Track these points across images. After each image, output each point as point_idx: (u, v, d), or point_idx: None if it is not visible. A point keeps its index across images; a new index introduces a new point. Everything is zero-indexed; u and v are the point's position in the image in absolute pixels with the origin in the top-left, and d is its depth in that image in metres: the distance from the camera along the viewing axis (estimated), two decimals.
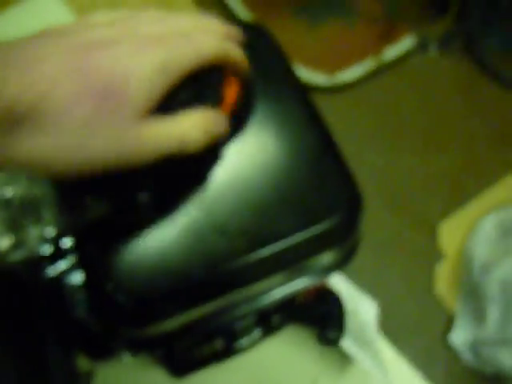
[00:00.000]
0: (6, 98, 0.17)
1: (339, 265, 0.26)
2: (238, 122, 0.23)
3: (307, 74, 0.57)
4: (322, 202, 0.23)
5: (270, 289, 0.25)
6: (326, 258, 0.25)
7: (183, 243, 0.20)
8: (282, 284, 0.25)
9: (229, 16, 0.60)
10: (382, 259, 0.53)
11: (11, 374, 0.21)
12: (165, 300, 0.19)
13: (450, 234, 0.52)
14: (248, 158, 0.23)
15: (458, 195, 0.54)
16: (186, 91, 0.20)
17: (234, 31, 0.24)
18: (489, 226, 0.50)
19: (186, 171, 0.21)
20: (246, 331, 0.31)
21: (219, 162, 0.22)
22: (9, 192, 0.29)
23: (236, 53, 0.22)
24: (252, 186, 0.22)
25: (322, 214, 0.22)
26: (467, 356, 0.46)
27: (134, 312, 0.19)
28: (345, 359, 0.44)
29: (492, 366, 0.44)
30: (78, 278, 0.24)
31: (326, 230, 0.23)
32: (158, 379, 0.36)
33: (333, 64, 0.58)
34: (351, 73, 0.58)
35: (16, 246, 0.28)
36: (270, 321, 0.32)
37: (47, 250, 0.26)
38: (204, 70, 0.21)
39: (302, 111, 0.25)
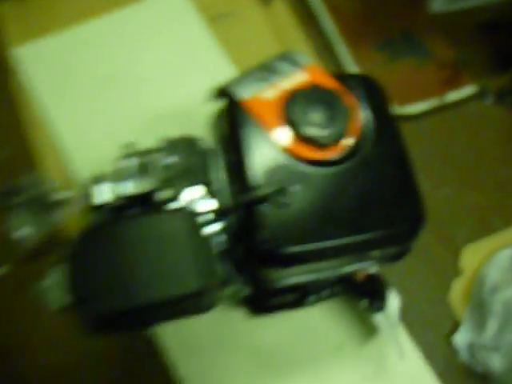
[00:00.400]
0: None
1: (395, 259, 0.38)
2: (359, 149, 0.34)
3: None
4: (399, 213, 0.34)
5: (348, 263, 0.36)
6: (389, 252, 0.37)
7: (316, 218, 0.31)
8: (354, 262, 0.37)
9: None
10: (408, 265, 0.63)
11: None
12: (299, 256, 0.31)
13: (470, 257, 0.63)
14: (362, 173, 0.34)
15: (484, 228, 0.65)
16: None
17: None
18: (504, 257, 0.60)
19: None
20: (315, 292, 0.43)
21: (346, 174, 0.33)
22: (170, 160, 0.42)
23: None
24: (359, 192, 0.33)
25: (397, 221, 0.34)
26: (464, 355, 0.57)
27: (276, 260, 0.31)
28: (366, 334, 0.56)
29: (483, 366, 0.56)
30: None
31: (395, 233, 0.34)
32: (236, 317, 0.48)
33: (403, 96, 0.69)
34: (417, 107, 0.69)
35: (172, 198, 0.40)
36: (333, 288, 0.43)
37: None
38: None
39: (398, 147, 0.36)
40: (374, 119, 0.36)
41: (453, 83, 0.71)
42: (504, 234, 0.65)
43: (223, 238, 0.35)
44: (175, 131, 0.46)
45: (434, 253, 0.64)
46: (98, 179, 0.41)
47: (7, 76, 0.62)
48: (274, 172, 0.33)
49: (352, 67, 0.69)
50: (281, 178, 0.32)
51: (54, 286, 0.51)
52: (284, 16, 0.72)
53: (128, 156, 0.42)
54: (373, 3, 0.74)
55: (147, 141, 0.45)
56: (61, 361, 0.53)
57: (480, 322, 0.57)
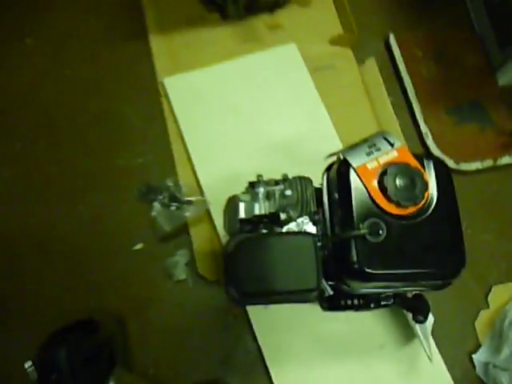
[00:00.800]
0: None
1: (439, 288, 0.54)
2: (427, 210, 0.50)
3: (441, 154, 0.83)
4: (448, 258, 0.50)
5: (407, 286, 0.53)
6: (437, 284, 0.53)
7: (393, 253, 0.48)
8: (412, 286, 0.53)
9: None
10: (447, 294, 0.79)
11: None
12: (378, 277, 0.48)
13: (499, 294, 0.78)
14: (427, 226, 0.50)
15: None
16: None
17: None
18: None
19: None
20: (376, 301, 0.60)
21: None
22: (288, 192, 0.59)
23: None
24: (424, 239, 0.49)
25: (447, 263, 0.50)
26: (480, 370, 0.73)
27: (360, 276, 0.49)
28: (404, 339, 0.72)
29: (493, 380, 0.71)
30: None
31: (444, 271, 0.50)
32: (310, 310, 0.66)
33: (462, 154, 0.84)
34: (472, 165, 0.83)
35: (287, 221, 0.57)
36: (389, 300, 0.60)
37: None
38: None
39: (454, 211, 0.52)
40: (441, 191, 0.52)
41: (507, 148, 0.85)
42: None
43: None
44: (282, 161, 0.63)
45: (469, 287, 0.79)
46: (238, 199, 0.58)
47: (160, 99, 0.82)
48: (371, 220, 0.49)
49: (421, 122, 0.84)
50: (373, 224, 0.49)
51: (178, 263, 0.71)
52: (374, 73, 0.88)
53: (257, 183, 0.60)
54: (448, 72, 0.89)
55: (264, 166, 0.62)
56: (174, 324, 0.72)
57: (497, 347, 0.72)
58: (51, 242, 0.75)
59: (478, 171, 0.84)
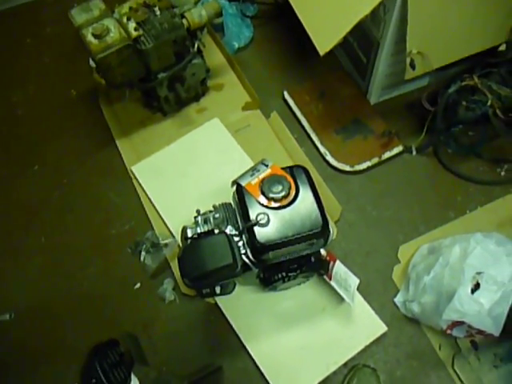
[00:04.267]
0: None
1: (322, 246, 0.82)
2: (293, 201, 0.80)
3: (339, 164, 1.13)
4: (315, 224, 0.78)
5: (299, 249, 0.81)
6: (316, 242, 0.80)
7: (277, 229, 0.77)
8: (302, 248, 0.81)
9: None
10: (368, 260, 1.05)
11: None
12: (272, 246, 0.76)
13: (404, 252, 1.03)
14: (294, 211, 0.79)
15: (412, 233, 1.05)
16: None
17: None
18: (423, 249, 1.00)
19: None
20: (293, 271, 0.87)
21: None
22: (216, 215, 0.88)
23: None
24: (295, 220, 0.78)
25: (315, 228, 0.78)
26: (402, 308, 0.97)
27: (262, 249, 0.77)
28: (337, 298, 0.97)
29: (411, 312, 0.95)
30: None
31: (314, 233, 0.78)
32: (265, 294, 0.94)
33: (354, 160, 1.13)
34: (363, 165, 1.12)
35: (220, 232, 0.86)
36: (302, 268, 0.86)
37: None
38: None
39: (313, 197, 0.80)
40: (302, 184, 0.81)
41: (387, 147, 1.14)
42: (426, 236, 1.05)
43: (241, 245, 0.81)
44: (221, 199, 0.92)
45: (383, 251, 1.04)
46: (186, 227, 0.88)
47: (132, 181, 1.15)
48: (259, 213, 0.78)
49: (320, 146, 1.15)
50: (261, 215, 0.77)
51: (167, 289, 1.00)
52: (279, 122, 1.20)
53: (198, 216, 0.90)
54: (331, 105, 1.21)
55: (208, 205, 0.92)
56: (171, 330, 0.99)
57: (406, 287, 0.97)
58: (77, 299, 1.04)
59: (368, 168, 1.13)
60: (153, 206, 1.11)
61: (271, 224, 0.79)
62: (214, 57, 1.29)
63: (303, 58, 1.31)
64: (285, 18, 1.36)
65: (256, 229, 0.78)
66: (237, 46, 1.32)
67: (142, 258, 1.05)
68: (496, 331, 0.82)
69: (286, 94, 1.24)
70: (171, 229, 1.07)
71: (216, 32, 1.32)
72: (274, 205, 0.80)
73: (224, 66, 1.29)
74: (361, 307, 0.97)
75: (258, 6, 1.38)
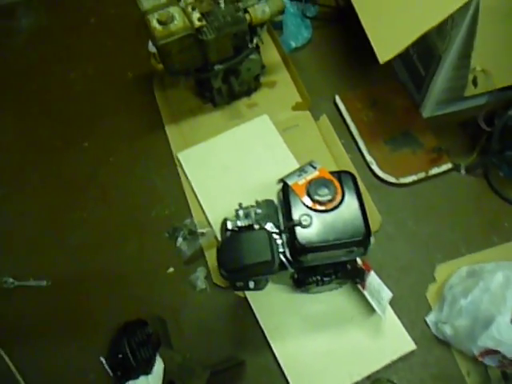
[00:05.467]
0: None
1: (362, 255, 0.81)
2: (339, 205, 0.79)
3: (384, 175, 1.11)
4: (357, 232, 0.77)
5: (339, 256, 0.80)
6: (356, 250, 0.80)
7: (321, 232, 0.77)
8: (340, 254, 0.80)
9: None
10: (403, 275, 1.03)
11: None
12: (311, 249, 0.76)
13: (441, 271, 1.01)
14: (341, 216, 0.78)
15: (451, 253, 1.03)
16: None
17: None
18: (462, 271, 0.98)
19: None
20: (327, 276, 0.86)
21: None
22: (258, 211, 0.89)
23: None
24: (343, 223, 0.78)
25: (360, 235, 0.77)
26: (433, 328, 0.95)
27: (301, 250, 0.77)
28: (368, 309, 0.96)
29: (441, 334, 0.93)
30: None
31: (356, 241, 0.78)
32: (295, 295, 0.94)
33: (400, 172, 1.11)
34: (409, 178, 1.11)
35: (261, 228, 0.87)
36: (337, 274, 0.86)
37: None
38: None
39: (358, 203, 0.80)
40: (348, 190, 0.81)
41: (436, 163, 1.12)
42: (466, 258, 1.02)
43: (280, 244, 0.81)
44: (263, 195, 0.93)
45: (420, 268, 1.02)
46: (227, 219, 0.89)
47: (177, 168, 1.17)
48: (302, 214, 0.78)
49: (366, 154, 1.14)
50: (304, 216, 0.77)
51: (199, 277, 1.02)
52: (327, 126, 1.20)
53: (239, 209, 0.90)
54: (382, 114, 1.19)
55: (249, 200, 0.92)
56: (198, 318, 1.00)
57: (441, 307, 0.95)
58: (111, 275, 1.07)
59: (414, 182, 1.11)
60: (194, 194, 1.12)
61: (313, 226, 0.79)
62: (270, 54, 1.29)
63: (359, 64, 1.29)
64: (345, 23, 1.35)
65: (298, 229, 0.79)
66: (294, 45, 1.32)
67: (178, 244, 1.06)
68: None
69: (337, 98, 1.23)
70: (210, 219, 1.08)
71: (274, 30, 1.32)
72: (318, 208, 0.80)
73: (279, 64, 1.29)
74: (391, 321, 0.95)
75: (319, 7, 1.38)
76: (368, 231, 0.79)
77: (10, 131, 1.30)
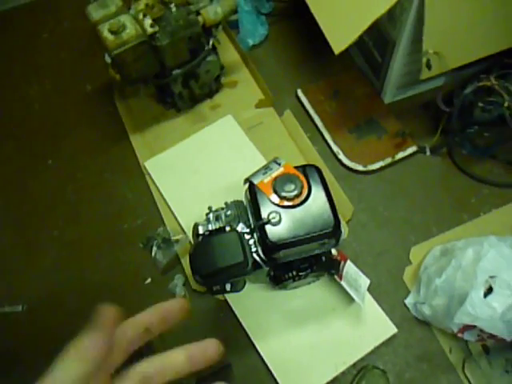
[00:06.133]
0: None
1: (333, 246, 0.81)
2: (306, 199, 0.80)
3: (352, 164, 1.12)
4: (331, 223, 0.78)
5: (309, 250, 0.81)
6: (328, 242, 0.80)
7: (288, 228, 0.77)
8: (313, 248, 0.81)
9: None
10: (379, 260, 1.04)
11: None
12: (283, 245, 0.76)
13: (417, 252, 1.03)
14: (307, 210, 0.79)
15: (424, 234, 1.04)
16: None
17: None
18: (436, 251, 0.99)
19: None
20: (303, 270, 0.87)
21: None
22: (228, 212, 0.89)
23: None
24: (311, 219, 0.78)
25: (329, 227, 0.78)
26: (412, 310, 0.96)
27: (273, 248, 0.77)
28: (348, 298, 0.97)
29: (421, 314, 0.94)
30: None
31: (326, 233, 0.78)
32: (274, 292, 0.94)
33: (367, 159, 1.12)
34: (377, 165, 1.12)
35: (232, 230, 0.86)
36: (313, 268, 0.86)
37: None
38: None
39: (325, 196, 0.80)
40: (314, 184, 0.81)
41: (401, 147, 1.14)
42: (438, 238, 1.04)
43: (252, 243, 0.81)
44: (233, 196, 0.93)
45: (395, 252, 1.04)
46: (197, 224, 0.88)
47: (145, 177, 1.15)
48: (271, 212, 0.78)
49: (332, 145, 1.15)
50: (273, 214, 0.77)
51: (177, 285, 1.00)
52: (292, 120, 1.20)
53: (209, 212, 0.90)
54: (345, 104, 1.20)
55: (220, 202, 0.92)
56: (180, 325, 1.00)
57: (418, 289, 0.96)
58: (89, 292, 1.05)
59: (381, 168, 1.12)
60: (165, 201, 1.11)
61: (283, 223, 0.79)
62: (229, 54, 1.29)
63: (318, 56, 1.30)
64: (300, 17, 1.35)
65: (268, 227, 0.78)
66: (251, 43, 1.32)
67: (153, 254, 1.05)
68: (508, 336, 0.81)
69: (299, 92, 1.23)
70: (182, 225, 1.07)
71: (231, 29, 1.31)
72: (286, 204, 0.80)
73: (238, 63, 1.29)
74: (371, 308, 0.96)
75: (274, 3, 1.38)
76: (337, 222, 0.79)
77: None
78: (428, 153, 1.14)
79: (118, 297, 1.03)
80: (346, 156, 1.13)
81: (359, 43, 1.12)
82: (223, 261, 0.77)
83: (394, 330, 0.94)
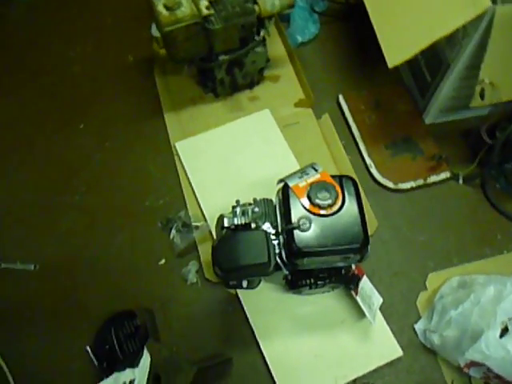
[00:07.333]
0: None
1: (359, 261, 0.80)
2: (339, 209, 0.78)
3: (383, 180, 1.10)
4: (360, 237, 0.77)
5: (334, 262, 0.80)
6: (353, 257, 0.79)
7: (318, 237, 0.76)
8: (336, 260, 0.80)
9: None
10: (394, 282, 1.03)
11: None
12: (308, 253, 0.75)
13: (433, 280, 1.01)
14: (340, 221, 0.77)
15: (444, 262, 1.03)
16: None
17: None
18: (454, 281, 0.98)
19: None
20: (322, 279, 0.86)
21: None
22: (256, 209, 0.88)
23: None
24: (341, 229, 0.77)
25: (356, 242, 0.77)
26: (420, 336, 0.95)
27: (298, 254, 0.76)
28: (359, 313, 0.96)
29: (429, 342, 0.93)
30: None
31: (353, 248, 0.77)
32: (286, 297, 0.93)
33: (398, 178, 1.11)
34: (407, 184, 1.10)
35: (257, 228, 0.85)
36: (331, 278, 0.85)
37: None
38: None
39: (358, 208, 0.79)
40: (349, 196, 0.80)
41: (434, 171, 1.12)
42: (458, 268, 1.02)
43: (276, 244, 0.80)
44: (259, 192, 0.92)
45: (411, 275, 1.03)
46: (223, 216, 0.88)
47: (174, 157, 1.14)
48: (301, 217, 0.77)
49: (366, 157, 1.13)
50: (303, 219, 0.76)
51: (190, 270, 1.00)
52: (329, 125, 1.19)
53: (236, 206, 0.89)
54: (385, 118, 1.18)
55: (245, 195, 0.91)
56: (187, 312, 1.00)
57: (430, 316, 0.95)
58: (101, 264, 1.05)
59: (412, 188, 1.11)
60: (190, 185, 1.10)
61: (312, 230, 0.78)
62: (276, 47, 1.27)
63: (364, 64, 1.28)
64: (353, 20, 1.33)
65: (296, 232, 0.77)
66: (300, 40, 1.29)
67: (171, 236, 1.05)
68: None
69: (340, 97, 1.22)
70: (205, 212, 1.07)
71: (281, 22, 1.29)
72: (317, 211, 0.79)
73: (284, 58, 1.27)
74: (380, 327, 0.96)
75: (329, 3, 1.35)
76: (367, 239, 0.78)
77: (3, 108, 1.26)
78: (461, 181, 1.12)
79: (129, 272, 1.04)
80: (378, 171, 1.12)
81: (411, 59, 1.10)
82: (247, 259, 0.76)
83: (399, 352, 0.94)
